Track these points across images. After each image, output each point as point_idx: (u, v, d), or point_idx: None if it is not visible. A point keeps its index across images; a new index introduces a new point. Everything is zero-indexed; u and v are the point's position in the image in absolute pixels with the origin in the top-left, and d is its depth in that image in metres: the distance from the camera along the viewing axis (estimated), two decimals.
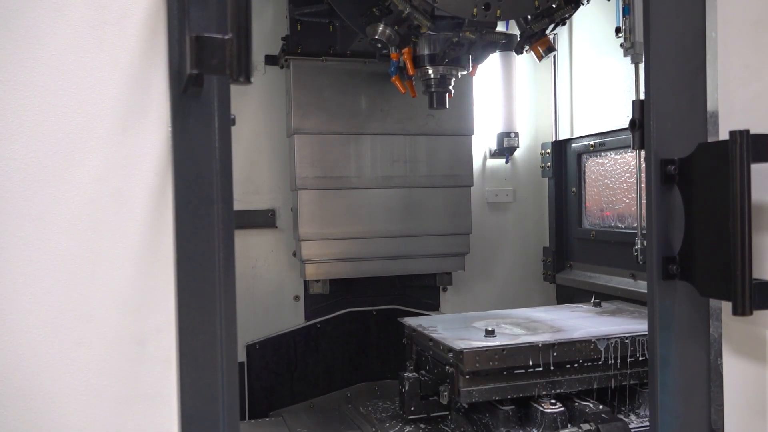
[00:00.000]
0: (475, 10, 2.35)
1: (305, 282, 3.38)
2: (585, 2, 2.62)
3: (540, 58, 2.76)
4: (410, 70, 2.74)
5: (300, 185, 3.19)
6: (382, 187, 3.33)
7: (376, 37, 2.45)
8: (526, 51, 2.79)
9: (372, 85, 3.26)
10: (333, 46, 3.22)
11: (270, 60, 3.35)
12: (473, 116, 3.49)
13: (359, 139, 3.28)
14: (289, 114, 3.25)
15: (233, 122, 1.16)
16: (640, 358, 2.52)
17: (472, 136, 3.51)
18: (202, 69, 0.94)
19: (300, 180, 3.19)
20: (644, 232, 2.90)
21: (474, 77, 3.24)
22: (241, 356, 3.28)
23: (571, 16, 2.63)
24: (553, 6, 2.50)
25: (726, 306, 1.34)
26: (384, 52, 2.71)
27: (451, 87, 2.83)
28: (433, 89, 2.79)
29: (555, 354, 2.43)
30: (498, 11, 2.37)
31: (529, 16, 2.60)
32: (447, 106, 2.86)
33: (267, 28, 3.34)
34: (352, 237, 3.28)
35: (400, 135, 3.34)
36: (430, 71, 2.73)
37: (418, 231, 3.39)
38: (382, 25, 2.44)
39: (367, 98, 3.29)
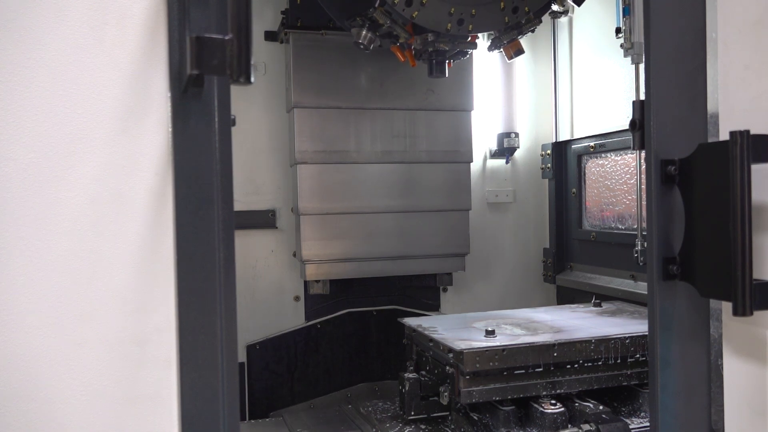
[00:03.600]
0: (449, 25, 2.56)
1: (305, 282, 3.38)
2: (549, 17, 2.84)
3: (510, 58, 2.97)
4: (412, 63, 2.87)
5: (299, 159, 3.19)
6: (382, 162, 3.33)
7: (359, 41, 2.66)
8: (499, 52, 3.00)
9: (372, 59, 3.25)
10: (332, 20, 3.21)
11: (269, 36, 3.34)
12: (473, 92, 3.49)
13: (359, 113, 3.28)
14: (288, 88, 3.25)
15: (233, 122, 1.16)
16: (641, 359, 2.52)
17: (472, 112, 3.50)
18: (202, 69, 0.94)
19: (299, 154, 3.19)
20: (644, 233, 2.91)
21: (474, 55, 3.29)
22: (242, 356, 3.28)
23: (535, 28, 2.84)
24: (521, 21, 2.69)
25: (726, 306, 1.34)
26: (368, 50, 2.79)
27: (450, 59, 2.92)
28: (433, 58, 2.86)
29: (555, 354, 2.43)
30: (470, 26, 2.59)
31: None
32: (446, 75, 2.90)
33: (266, 4, 3.33)
34: (351, 212, 3.27)
35: (400, 110, 3.34)
36: (430, 37, 2.78)
37: (417, 207, 3.39)
38: (364, 30, 2.65)
39: (366, 73, 3.29)
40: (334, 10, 2.86)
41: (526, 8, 2.66)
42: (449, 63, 2.92)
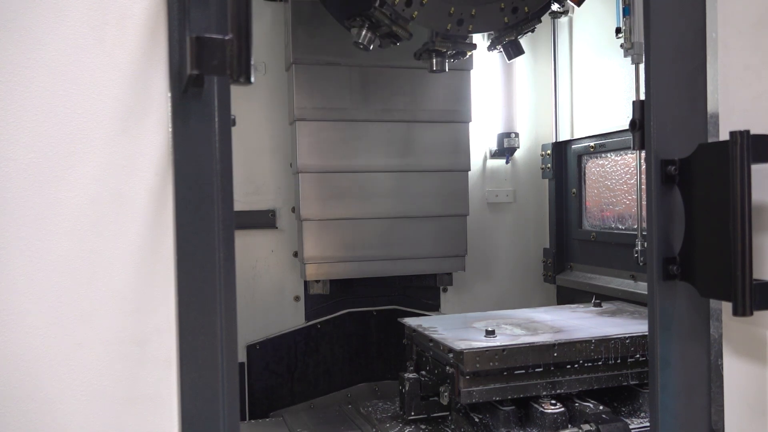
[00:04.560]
0: (449, 25, 2.56)
1: (305, 282, 3.38)
2: (549, 17, 2.83)
3: (509, 57, 2.98)
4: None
5: (299, 116, 3.19)
6: (381, 121, 3.32)
7: (359, 41, 2.67)
8: (498, 51, 3.01)
9: None
10: None
11: None
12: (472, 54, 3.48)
13: (359, 70, 3.27)
14: (287, 45, 3.25)
15: (233, 123, 1.16)
16: (641, 359, 2.52)
17: (471, 71, 3.50)
18: (202, 69, 0.94)
19: (298, 111, 3.19)
20: (644, 233, 2.91)
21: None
22: (242, 357, 3.28)
23: (535, 28, 2.85)
24: (522, 21, 2.69)
25: (726, 306, 1.34)
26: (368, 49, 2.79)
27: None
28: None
29: (555, 354, 2.43)
30: (470, 26, 2.59)
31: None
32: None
33: None
34: (351, 171, 3.27)
35: (401, 68, 3.33)
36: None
37: (416, 167, 3.38)
38: (364, 30, 2.65)
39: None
40: (333, 10, 2.86)
41: (526, 8, 2.66)
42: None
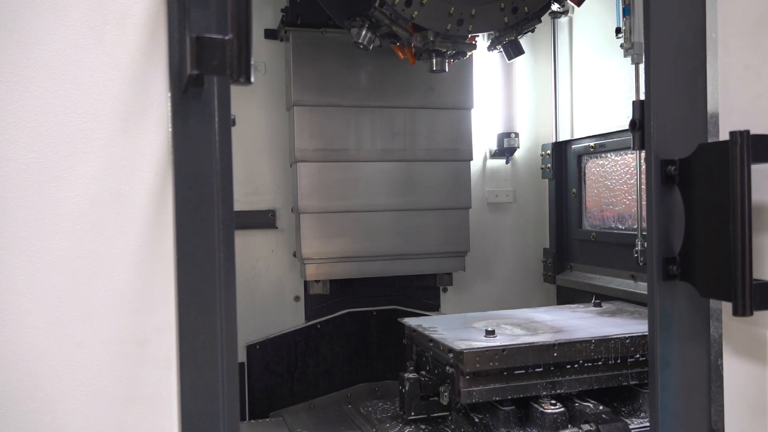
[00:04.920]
0: (449, 25, 2.56)
1: (305, 282, 3.38)
2: (549, 17, 2.85)
3: (509, 58, 2.98)
4: (411, 60, 2.89)
5: (299, 157, 3.18)
6: (382, 161, 3.32)
7: (359, 41, 2.67)
8: (498, 51, 3.01)
9: (372, 57, 3.24)
10: (332, 18, 3.22)
11: (270, 34, 3.34)
12: (473, 90, 3.49)
13: (359, 111, 3.28)
14: (288, 86, 3.25)
15: (233, 122, 1.16)
16: (641, 359, 2.52)
17: (472, 110, 3.51)
18: (202, 69, 0.94)
19: (299, 152, 3.19)
20: (644, 233, 2.91)
21: (474, 55, 3.30)
22: (242, 356, 3.28)
23: (535, 28, 2.85)
24: (521, 21, 2.70)
25: (726, 306, 1.34)
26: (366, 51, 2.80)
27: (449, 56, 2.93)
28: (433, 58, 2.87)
29: (555, 354, 2.43)
30: (470, 26, 2.59)
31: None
32: (447, 69, 2.90)
33: (266, 2, 3.33)
34: (352, 210, 3.27)
35: (400, 108, 3.34)
36: (431, 36, 2.78)
37: (417, 205, 3.38)
38: (364, 30, 2.65)
39: (366, 71, 3.29)
40: (333, 10, 2.86)
41: (526, 8, 2.66)
42: (449, 62, 2.93)
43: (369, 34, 2.66)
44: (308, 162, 3.20)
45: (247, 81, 0.94)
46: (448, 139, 3.43)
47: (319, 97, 3.20)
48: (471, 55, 3.38)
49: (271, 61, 3.35)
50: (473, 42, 2.84)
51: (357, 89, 3.26)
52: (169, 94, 1.08)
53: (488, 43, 3.07)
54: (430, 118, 3.39)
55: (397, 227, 3.36)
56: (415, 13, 2.49)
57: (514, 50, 2.94)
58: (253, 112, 3.34)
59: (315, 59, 3.19)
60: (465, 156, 3.49)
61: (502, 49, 2.97)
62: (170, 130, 1.08)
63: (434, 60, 2.86)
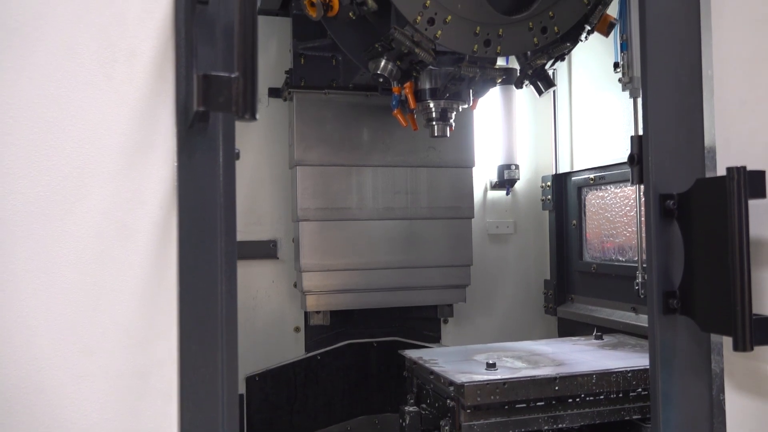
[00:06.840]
0: (475, 46, 2.39)
1: (306, 313, 3.37)
2: (583, 39, 2.67)
3: (540, 93, 2.82)
4: (412, 104, 2.76)
5: (302, 216, 3.21)
6: (384, 219, 3.35)
7: (378, 72, 2.48)
8: (526, 86, 2.85)
9: (374, 117, 3.30)
10: (335, 80, 3.27)
11: (273, 93, 3.40)
12: (474, 148, 3.53)
13: (361, 170, 3.31)
14: (291, 146, 3.28)
15: (237, 156, 1.18)
16: (643, 393, 2.50)
17: (473, 168, 3.54)
18: (209, 106, 0.96)
19: (302, 211, 3.21)
20: (645, 265, 2.90)
21: (474, 111, 3.28)
22: (241, 388, 3.25)
23: (569, 51, 2.68)
24: (552, 43, 2.55)
25: (727, 341, 1.34)
26: (386, 86, 2.74)
27: (452, 120, 2.86)
28: (434, 123, 2.82)
29: (557, 388, 2.41)
30: (498, 48, 2.42)
31: (529, 53, 2.65)
32: (448, 135, 2.88)
33: (271, 62, 3.40)
34: (354, 268, 3.29)
35: (402, 167, 3.37)
36: (431, 105, 2.76)
37: (419, 263, 3.40)
38: (384, 60, 2.46)
39: (369, 131, 3.32)
40: (348, 44, 2.69)
41: (556, 28, 2.46)
42: (450, 127, 2.86)
43: (389, 65, 2.48)
44: (311, 221, 3.23)
45: (252, 117, 0.96)
46: (449, 197, 3.47)
47: (322, 156, 3.24)
48: (472, 115, 3.42)
49: (273, 119, 3.40)
50: (504, 67, 2.73)
51: (359, 148, 3.30)
52: (175, 129, 1.10)
53: (515, 81, 2.87)
54: (432, 177, 3.43)
55: (398, 281, 3.38)
56: (439, 32, 2.32)
57: (544, 84, 2.76)
58: (255, 142, 3.37)
59: (318, 119, 3.24)
60: (466, 214, 3.52)
61: (531, 86, 2.80)
62: (176, 164, 1.10)
63: (435, 125, 2.79)
